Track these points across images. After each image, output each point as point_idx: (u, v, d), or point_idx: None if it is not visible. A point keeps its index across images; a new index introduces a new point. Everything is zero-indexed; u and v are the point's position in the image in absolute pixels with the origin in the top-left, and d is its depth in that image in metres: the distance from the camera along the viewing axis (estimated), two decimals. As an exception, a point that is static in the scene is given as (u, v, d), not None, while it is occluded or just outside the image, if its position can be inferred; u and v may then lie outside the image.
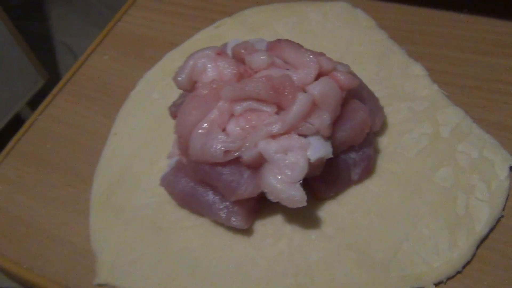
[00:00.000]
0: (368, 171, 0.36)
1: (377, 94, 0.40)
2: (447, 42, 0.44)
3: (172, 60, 0.47)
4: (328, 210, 0.35)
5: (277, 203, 0.32)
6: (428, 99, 0.39)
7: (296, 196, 0.31)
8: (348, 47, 0.44)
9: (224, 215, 0.34)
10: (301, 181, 0.32)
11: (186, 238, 0.36)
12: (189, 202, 0.36)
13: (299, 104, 0.32)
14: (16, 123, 1.39)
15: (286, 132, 0.33)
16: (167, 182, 0.36)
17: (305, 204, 0.31)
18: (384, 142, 0.38)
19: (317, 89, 0.33)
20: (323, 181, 0.35)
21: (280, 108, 0.34)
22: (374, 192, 0.36)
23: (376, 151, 0.37)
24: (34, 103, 1.41)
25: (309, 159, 0.32)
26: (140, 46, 0.50)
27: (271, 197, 0.32)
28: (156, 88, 0.45)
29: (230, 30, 0.48)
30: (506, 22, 0.44)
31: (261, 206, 0.36)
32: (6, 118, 1.34)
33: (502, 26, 0.44)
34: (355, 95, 0.37)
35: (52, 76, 1.55)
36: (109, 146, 0.42)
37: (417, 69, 0.41)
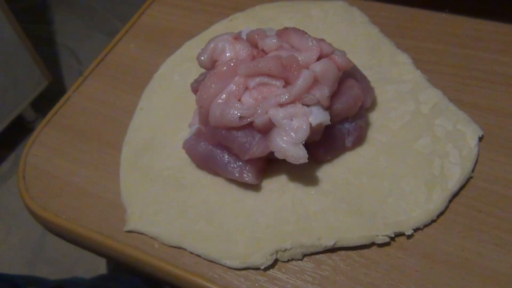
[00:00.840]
0: (359, 139, 0.43)
1: (369, 78, 0.47)
2: (430, 36, 0.51)
3: (191, 48, 0.53)
4: (325, 171, 0.42)
5: (283, 161, 0.38)
6: (411, 82, 0.46)
7: (300, 154, 0.38)
8: (345, 39, 0.51)
9: (237, 172, 0.41)
10: (303, 142, 0.38)
11: (204, 193, 0.42)
12: (207, 163, 0.42)
13: (303, 78, 0.39)
14: (20, 123, 1.44)
15: (292, 102, 0.39)
16: (188, 146, 0.43)
17: (306, 161, 0.37)
18: (373, 116, 0.44)
19: (318, 67, 0.40)
20: (321, 146, 0.41)
21: (287, 83, 0.40)
22: (364, 157, 0.42)
23: (367, 124, 0.44)
24: (37, 104, 1.46)
25: (310, 124, 0.38)
26: (162, 36, 0.56)
27: (279, 155, 0.38)
28: (176, 71, 0.51)
29: (242, 23, 0.54)
30: (480, 20, 0.51)
31: (268, 166, 0.42)
32: (10, 118, 1.39)
33: (477, 23, 0.51)
34: (350, 75, 0.44)
35: (55, 78, 1.61)
36: (136, 119, 0.48)
37: (403, 58, 0.48)
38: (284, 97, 0.39)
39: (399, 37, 0.51)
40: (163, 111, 0.48)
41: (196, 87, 0.44)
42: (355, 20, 0.53)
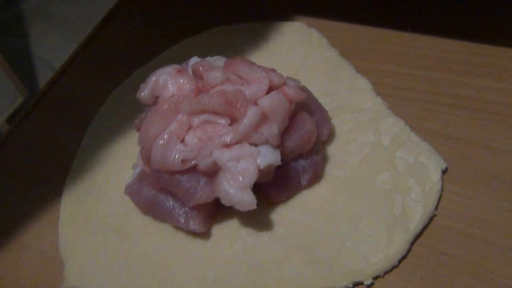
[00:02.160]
0: (316, 177, 0.40)
1: (326, 107, 0.44)
2: (391, 58, 0.48)
3: (140, 77, 0.50)
4: (280, 213, 0.39)
5: (232, 207, 0.35)
6: (372, 111, 0.43)
7: (247, 200, 0.34)
8: (302, 64, 0.48)
9: (183, 219, 0.37)
10: (251, 187, 0.35)
11: (148, 243, 0.38)
12: (151, 209, 0.39)
13: (250, 116, 0.36)
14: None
15: (238, 142, 0.36)
16: (131, 191, 0.39)
17: (255, 207, 0.34)
18: (331, 150, 0.42)
19: (266, 102, 0.36)
20: (274, 187, 0.38)
21: (233, 120, 0.37)
22: (321, 195, 0.39)
23: (324, 158, 0.41)
24: (14, 120, 1.41)
25: (258, 166, 0.35)
26: (110, 64, 0.53)
27: (225, 202, 0.35)
28: (123, 104, 0.48)
29: (194, 49, 0.51)
30: (445, 40, 0.49)
31: (218, 210, 0.39)
32: (-16, 135, 1.33)
33: (441, 43, 0.49)
34: (304, 107, 0.41)
35: (31, 93, 1.56)
36: (79, 159, 0.45)
37: (363, 83, 0.45)
38: (229, 137, 0.36)
39: (359, 59, 0.48)
40: (108, 149, 0.45)
41: (138, 125, 0.41)
42: (313, 42, 0.50)
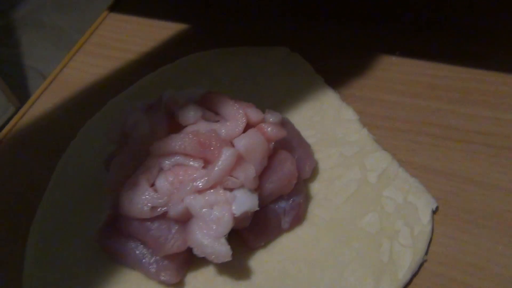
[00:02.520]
0: (298, 219, 0.37)
1: (310, 139, 0.41)
2: (379, 84, 0.46)
3: (114, 107, 0.47)
4: (259, 260, 0.36)
5: (207, 256, 0.33)
6: (357, 144, 0.40)
7: (222, 251, 0.32)
8: (286, 92, 0.46)
9: (153, 270, 0.34)
10: (226, 236, 0.32)
11: (118, 293, 0.36)
12: (120, 257, 0.36)
13: (224, 159, 0.33)
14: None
15: (212, 187, 0.33)
16: (99, 237, 0.36)
17: (230, 259, 0.32)
18: (315, 188, 0.39)
19: (242, 142, 0.34)
20: (252, 231, 0.36)
21: (207, 162, 0.34)
22: (304, 239, 0.36)
23: (307, 198, 0.38)
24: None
25: (234, 214, 0.32)
26: (84, 93, 0.50)
27: (197, 253, 0.32)
28: (97, 136, 0.45)
29: (171, 77, 0.49)
30: (436, 64, 0.47)
31: (193, 257, 0.36)
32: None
33: (432, 68, 0.46)
34: (284, 144, 0.38)
35: (23, 103, 1.53)
36: (47, 200, 0.42)
37: (349, 114, 0.43)
38: (202, 182, 0.33)
39: (345, 87, 0.46)
40: (77, 189, 0.42)
41: (107, 163, 0.38)
42: (297, 69, 0.47)
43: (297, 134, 0.40)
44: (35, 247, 0.39)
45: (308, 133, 0.42)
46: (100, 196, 0.41)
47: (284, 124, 0.40)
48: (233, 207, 0.33)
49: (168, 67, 0.50)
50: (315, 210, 0.38)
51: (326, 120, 0.43)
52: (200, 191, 0.33)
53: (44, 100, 0.50)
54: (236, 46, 0.50)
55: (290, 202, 0.37)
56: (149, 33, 0.55)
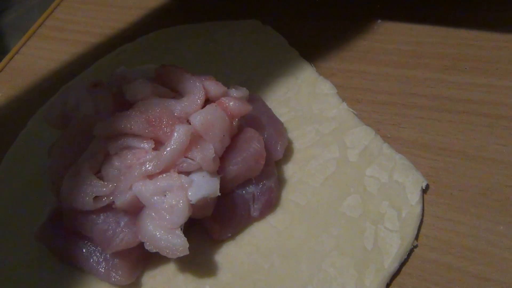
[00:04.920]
0: (269, 205, 0.32)
1: (283, 117, 0.37)
2: (359, 56, 0.41)
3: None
4: (226, 254, 0.31)
5: (162, 251, 0.28)
6: (336, 120, 0.36)
7: (177, 244, 0.27)
8: (256, 68, 0.41)
9: (103, 270, 0.30)
10: (182, 227, 0.28)
11: (66, 299, 0.31)
12: (67, 257, 0.31)
13: (176, 138, 0.29)
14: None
15: (164, 171, 0.29)
16: (42, 236, 0.32)
17: (187, 253, 0.27)
18: (289, 170, 0.34)
19: (198, 118, 0.29)
20: (217, 221, 0.31)
21: (159, 143, 0.30)
22: (277, 228, 0.32)
23: (279, 182, 0.34)
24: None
25: (190, 201, 0.28)
26: (36, 80, 0.46)
27: (149, 247, 0.28)
28: (47, 125, 0.41)
29: (131, 57, 0.44)
30: (421, 30, 0.42)
31: (149, 254, 0.31)
32: None
33: (417, 35, 0.42)
34: (253, 122, 0.34)
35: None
36: (-9, 195, 0.37)
37: (326, 88, 0.38)
38: (151, 165, 0.28)
39: (322, 60, 0.41)
40: (24, 183, 0.37)
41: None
42: (268, 43, 0.43)
43: (268, 111, 0.36)
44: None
45: (281, 111, 0.37)
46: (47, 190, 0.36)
47: (253, 100, 0.35)
48: (189, 193, 0.28)
49: (128, 46, 0.45)
50: (289, 195, 0.33)
51: (301, 96, 0.38)
52: (150, 176, 0.29)
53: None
54: (202, 22, 0.46)
55: (260, 186, 0.32)
56: (109, 13, 0.50)
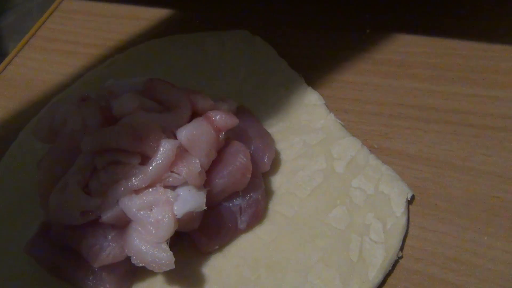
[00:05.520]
0: (257, 217, 0.33)
1: (271, 129, 0.37)
2: (348, 66, 0.42)
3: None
4: (213, 266, 0.32)
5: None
6: (323, 131, 0.36)
7: (162, 259, 0.28)
8: (245, 79, 0.41)
9: (91, 283, 0.30)
10: (168, 241, 0.28)
11: (55, 313, 0.31)
12: (56, 270, 0.32)
13: (162, 152, 0.29)
14: None
15: (150, 186, 0.29)
16: (31, 249, 0.32)
17: (172, 267, 0.28)
18: (276, 182, 0.35)
19: (184, 133, 0.30)
20: (205, 234, 0.31)
21: (146, 158, 0.30)
22: (264, 240, 0.32)
23: (266, 194, 0.34)
24: None
25: (175, 215, 0.28)
26: (29, 91, 0.46)
27: (136, 262, 0.28)
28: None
29: (122, 67, 0.44)
30: (409, 41, 0.42)
31: (137, 268, 0.32)
32: None
33: (405, 45, 0.42)
34: (239, 135, 0.34)
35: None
36: (-19, 208, 0.38)
37: (314, 99, 0.38)
38: (137, 180, 0.29)
39: (311, 70, 0.42)
40: (14, 196, 0.38)
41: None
42: (258, 53, 0.43)
43: (255, 123, 0.36)
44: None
45: (269, 122, 0.38)
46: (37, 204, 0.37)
47: (241, 112, 0.36)
48: (175, 207, 0.28)
49: (118, 57, 0.45)
50: (276, 207, 0.34)
51: (290, 107, 0.39)
52: (136, 191, 0.29)
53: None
54: (191, 32, 0.46)
55: (247, 199, 0.32)
56: (101, 23, 0.50)
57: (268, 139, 0.35)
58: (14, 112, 0.44)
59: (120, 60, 0.45)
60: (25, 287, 0.33)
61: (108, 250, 0.29)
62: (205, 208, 0.29)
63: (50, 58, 0.48)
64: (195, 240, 0.32)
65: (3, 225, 0.36)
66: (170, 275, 0.31)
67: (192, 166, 0.29)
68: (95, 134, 0.30)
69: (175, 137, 0.30)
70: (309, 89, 0.39)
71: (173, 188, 0.29)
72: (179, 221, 0.28)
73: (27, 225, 0.35)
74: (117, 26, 0.49)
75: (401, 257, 0.30)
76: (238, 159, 0.31)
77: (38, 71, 0.47)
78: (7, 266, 0.34)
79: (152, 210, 0.28)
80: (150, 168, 0.28)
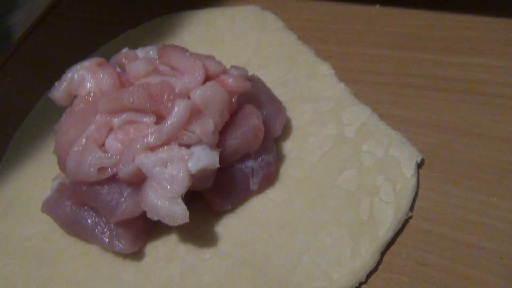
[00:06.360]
0: (268, 179, 0.33)
1: (282, 97, 0.38)
2: (358, 39, 0.42)
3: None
4: (226, 225, 0.32)
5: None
6: (333, 99, 0.37)
7: (177, 212, 0.28)
8: (256, 51, 0.42)
9: (107, 239, 0.31)
10: (182, 196, 0.29)
11: (71, 269, 0.32)
12: (73, 228, 0.33)
13: (177, 111, 0.30)
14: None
15: (165, 143, 0.30)
16: (49, 208, 0.33)
17: (187, 220, 0.28)
18: (287, 147, 0.35)
19: (197, 93, 0.30)
20: (217, 194, 0.32)
21: (161, 118, 0.31)
22: (275, 201, 0.33)
23: (278, 158, 0.35)
24: None
25: (190, 171, 0.29)
26: (44, 65, 0.47)
27: (151, 215, 0.29)
28: (54, 107, 0.42)
29: (135, 42, 0.45)
30: (419, 13, 0.43)
31: (152, 225, 0.33)
32: None
33: (415, 18, 0.43)
34: (252, 100, 0.35)
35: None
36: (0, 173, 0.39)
37: (324, 69, 0.39)
38: (153, 138, 0.29)
39: (320, 43, 0.42)
40: (33, 162, 0.39)
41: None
42: (267, 27, 0.44)
43: (266, 90, 0.37)
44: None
45: (280, 91, 0.38)
46: (56, 168, 0.38)
47: (252, 80, 0.36)
48: (190, 164, 0.29)
49: (131, 32, 0.46)
50: (287, 170, 0.34)
51: (300, 77, 0.39)
52: (152, 148, 0.30)
53: (2, 74, 0.47)
54: (202, 8, 0.47)
55: (259, 161, 0.33)
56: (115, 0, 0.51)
57: (279, 106, 0.36)
58: (30, 85, 0.45)
59: (133, 34, 0.46)
60: (42, 245, 0.34)
61: (124, 206, 0.30)
62: (218, 166, 0.30)
63: (64, 34, 0.50)
64: (208, 200, 0.32)
65: (21, 187, 0.37)
66: (183, 234, 0.32)
67: (206, 125, 0.30)
68: (111, 95, 0.31)
69: (188, 98, 0.31)
70: (319, 60, 0.40)
71: (188, 146, 0.30)
72: (193, 177, 0.29)
73: (44, 186, 0.36)
74: (130, 3, 0.50)
75: (411, 217, 0.31)
76: (251, 121, 0.32)
77: (53, 47, 0.49)
78: (25, 226, 0.35)
79: (167, 166, 0.29)
80: (166, 126, 0.29)
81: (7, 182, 0.38)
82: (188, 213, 0.28)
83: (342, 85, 0.38)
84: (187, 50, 0.34)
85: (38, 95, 0.44)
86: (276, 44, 0.42)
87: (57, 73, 0.45)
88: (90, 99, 0.32)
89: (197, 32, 0.45)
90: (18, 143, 0.40)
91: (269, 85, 0.38)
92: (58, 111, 0.41)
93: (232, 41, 0.43)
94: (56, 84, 0.33)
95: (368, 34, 0.42)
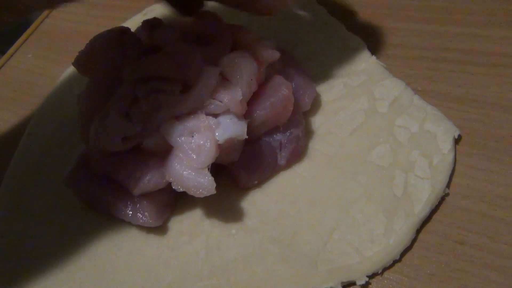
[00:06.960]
0: (296, 154, 0.32)
1: (311, 71, 0.36)
2: (390, 13, 0.40)
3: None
4: (252, 200, 0.31)
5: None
6: (365, 73, 0.35)
7: (204, 183, 0.27)
8: (285, 26, 0.41)
9: (130, 212, 0.30)
10: (209, 167, 0.28)
11: (93, 243, 0.31)
12: (95, 201, 0.32)
13: (204, 79, 0.28)
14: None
15: (192, 112, 0.29)
16: (70, 179, 0.32)
17: (213, 192, 0.27)
18: (316, 122, 0.34)
19: (225, 61, 0.29)
20: (244, 168, 0.31)
21: (187, 87, 0.30)
22: (304, 177, 0.31)
23: (307, 132, 0.33)
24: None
25: (217, 141, 0.28)
26: (65, 41, 0.46)
27: (176, 187, 0.28)
28: (76, 82, 0.41)
29: (159, 16, 0.44)
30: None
31: (176, 199, 0.32)
32: None
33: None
34: (280, 72, 0.33)
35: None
36: (22, 147, 0.38)
37: (355, 42, 0.37)
38: (180, 106, 0.28)
39: (351, 17, 0.41)
40: (56, 135, 0.38)
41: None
42: (297, 1, 0.42)
43: (295, 64, 0.35)
44: (7, 197, 0.36)
45: (309, 65, 0.37)
46: (79, 141, 0.37)
47: (281, 52, 0.35)
48: (217, 134, 0.28)
49: (155, 7, 0.45)
50: (316, 145, 0.33)
51: (330, 51, 0.38)
52: (178, 118, 0.29)
53: (24, 51, 0.47)
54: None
55: (287, 134, 0.32)
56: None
57: (308, 79, 0.34)
58: (52, 60, 0.45)
59: (157, 8, 0.45)
60: (64, 218, 0.33)
61: (149, 177, 0.29)
62: (246, 137, 0.29)
63: (85, 11, 0.49)
64: (234, 174, 0.31)
65: (44, 159, 0.37)
66: (208, 208, 0.31)
67: (234, 94, 0.29)
68: (136, 63, 0.30)
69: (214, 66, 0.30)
70: (350, 34, 0.38)
71: (215, 116, 0.29)
72: (220, 148, 0.28)
73: (67, 159, 0.35)
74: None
75: (447, 194, 0.29)
76: (281, 91, 0.31)
77: (74, 23, 0.48)
78: (47, 199, 0.34)
79: (194, 136, 0.28)
80: (192, 94, 0.28)
81: (30, 155, 0.37)
82: (215, 185, 0.27)
83: (374, 58, 0.36)
84: (220, 19, 0.33)
85: (60, 71, 0.43)
86: (306, 18, 0.41)
87: (78, 48, 0.45)
88: (114, 67, 0.31)
89: (222, 7, 0.43)
90: (41, 117, 0.40)
91: (298, 58, 0.37)
92: (79, 86, 0.41)
93: (259, 17, 0.41)
94: (79, 53, 0.33)
95: (400, 8, 0.41)
